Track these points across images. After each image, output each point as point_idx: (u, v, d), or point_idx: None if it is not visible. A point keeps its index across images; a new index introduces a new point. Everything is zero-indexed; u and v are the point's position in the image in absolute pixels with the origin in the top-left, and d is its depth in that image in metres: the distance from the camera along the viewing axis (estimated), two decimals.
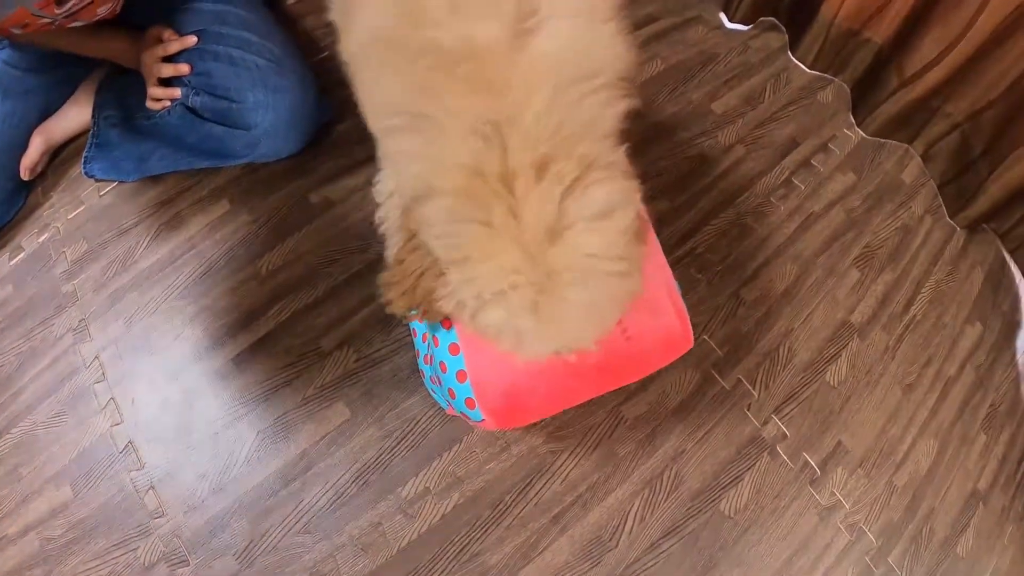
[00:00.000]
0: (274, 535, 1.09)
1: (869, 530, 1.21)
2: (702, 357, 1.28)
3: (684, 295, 1.03)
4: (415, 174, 0.71)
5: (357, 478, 1.14)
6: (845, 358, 1.33)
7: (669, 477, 1.19)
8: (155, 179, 1.30)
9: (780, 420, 1.26)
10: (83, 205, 1.28)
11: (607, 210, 0.67)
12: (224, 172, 1.35)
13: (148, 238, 1.27)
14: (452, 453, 1.17)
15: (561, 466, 1.18)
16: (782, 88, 1.63)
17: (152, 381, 1.16)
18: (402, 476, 1.14)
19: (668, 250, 1.36)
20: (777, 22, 1.70)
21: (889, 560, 1.20)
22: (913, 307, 1.39)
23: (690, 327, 0.96)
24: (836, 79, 1.65)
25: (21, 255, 1.26)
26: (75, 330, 1.19)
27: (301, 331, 1.21)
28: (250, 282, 1.24)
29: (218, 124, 1.17)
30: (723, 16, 1.71)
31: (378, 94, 0.77)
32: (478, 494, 1.14)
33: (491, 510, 1.14)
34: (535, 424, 1.19)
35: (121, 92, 1.26)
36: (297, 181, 1.37)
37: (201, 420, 1.15)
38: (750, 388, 1.27)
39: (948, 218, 1.50)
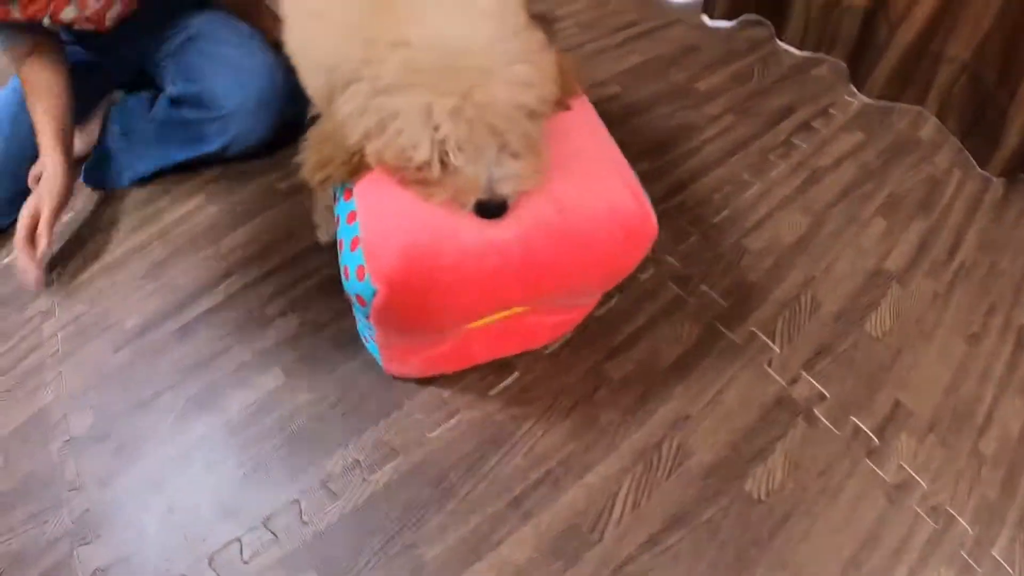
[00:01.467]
0: (184, 512, 0.77)
1: (959, 514, 0.77)
2: (701, 309, 0.90)
3: (674, 247, 0.92)
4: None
5: (280, 447, 0.81)
6: (886, 307, 0.92)
7: (670, 450, 0.78)
8: (140, 184, 1.16)
9: (813, 377, 0.85)
10: (74, 212, 1.12)
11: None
12: (202, 175, 1.18)
13: (124, 232, 1.10)
14: (390, 419, 0.82)
15: (524, 435, 0.80)
16: (772, 68, 1.32)
17: (100, 354, 0.92)
18: (330, 446, 0.81)
19: (653, 204, 1.07)
20: (760, 17, 1.50)
21: (994, 553, 0.75)
22: (960, 254, 1.00)
23: (650, 210, 0.69)
24: (829, 57, 1.40)
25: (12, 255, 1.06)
26: (44, 312, 0.99)
27: (248, 300, 0.97)
28: (209, 260, 1.02)
29: (193, 108, 1.11)
30: (704, 17, 1.50)
31: None
32: (416, 469, 0.78)
33: (432, 489, 0.76)
34: (489, 385, 0.85)
35: (126, 113, 1.20)
36: (269, 174, 1.16)
37: (135, 388, 0.88)
38: (768, 341, 0.87)
39: (980, 168, 1.13)
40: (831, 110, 1.23)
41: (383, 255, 0.62)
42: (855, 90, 1.28)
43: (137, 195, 1.17)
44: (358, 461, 0.79)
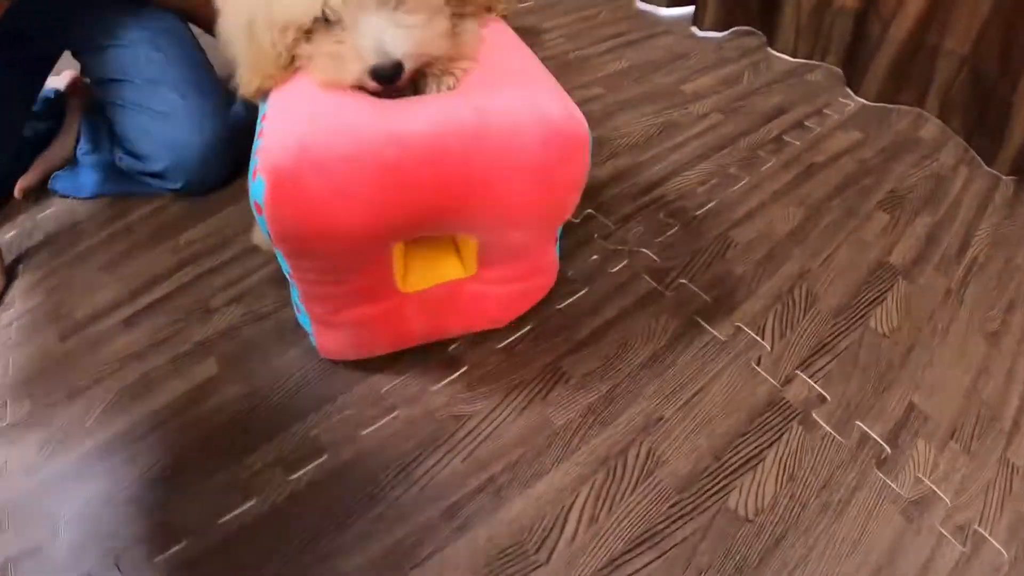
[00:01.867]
0: (92, 506, 0.67)
1: (991, 534, 0.62)
2: (681, 303, 0.77)
3: (651, 239, 0.85)
4: None
5: (202, 441, 0.71)
6: (893, 302, 0.78)
7: (638, 456, 0.64)
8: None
9: (811, 377, 0.71)
10: (51, 209, 1.07)
11: None
12: None
13: (90, 228, 1.04)
14: (320, 414, 0.71)
15: (467, 436, 0.67)
16: (763, 72, 1.21)
17: (47, 344, 0.85)
18: (253, 441, 0.70)
19: (630, 199, 0.92)
20: (751, 28, 1.41)
21: None
22: (971, 249, 0.86)
23: (580, 115, 0.60)
24: (823, 63, 1.29)
25: None
26: (6, 304, 0.92)
27: (197, 291, 0.89)
28: (166, 253, 0.96)
29: (138, 160, 1.03)
30: (693, 28, 1.41)
31: None
32: (343, 468, 0.65)
33: (357, 492, 0.63)
34: (433, 379, 0.73)
35: (94, 131, 1.13)
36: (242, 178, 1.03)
37: (73, 377, 0.80)
38: (756, 337, 0.74)
39: (987, 167, 1.01)
40: (826, 111, 1.11)
41: (274, 148, 0.56)
42: (851, 93, 1.18)
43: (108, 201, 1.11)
44: (281, 458, 0.67)
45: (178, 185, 1.01)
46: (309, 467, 0.66)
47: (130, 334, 0.84)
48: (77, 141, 1.14)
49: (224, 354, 0.79)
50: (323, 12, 0.54)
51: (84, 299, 0.90)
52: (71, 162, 1.12)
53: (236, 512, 0.63)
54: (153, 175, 1.02)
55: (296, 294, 0.72)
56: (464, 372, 0.73)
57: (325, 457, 0.67)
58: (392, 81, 0.56)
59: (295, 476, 0.66)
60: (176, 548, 0.62)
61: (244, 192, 0.99)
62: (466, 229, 0.66)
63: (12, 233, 1.08)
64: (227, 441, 0.70)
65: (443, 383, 0.72)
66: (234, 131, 1.01)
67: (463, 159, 0.57)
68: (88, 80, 1.12)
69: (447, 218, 0.62)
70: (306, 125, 0.57)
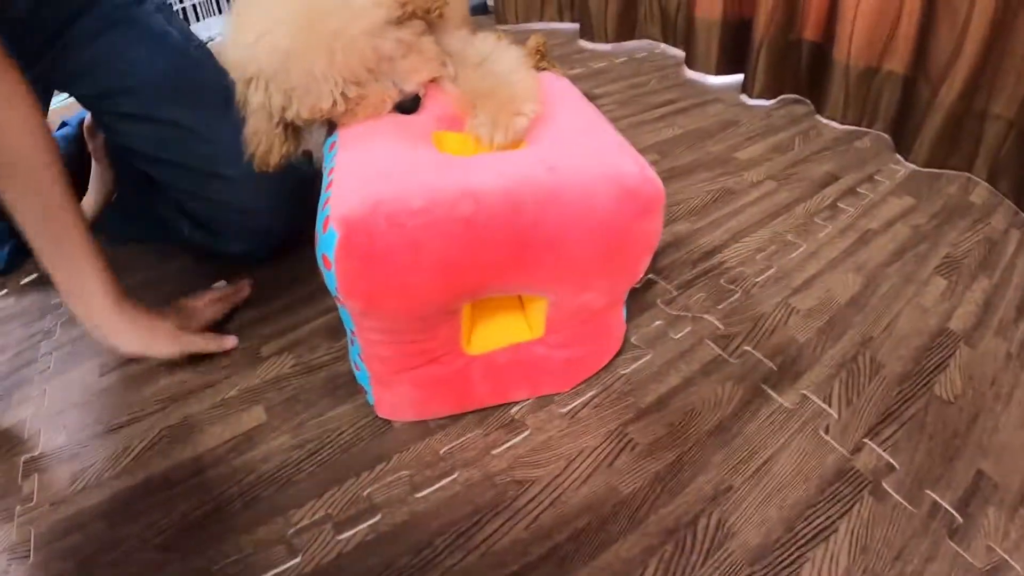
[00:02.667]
0: (127, 545, 0.65)
1: None
2: (746, 370, 0.77)
3: (713, 305, 0.85)
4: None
5: (246, 491, 0.69)
6: (955, 368, 0.78)
7: (708, 527, 0.63)
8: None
9: (879, 446, 0.71)
10: None
11: None
12: None
13: (139, 265, 1.06)
14: (373, 473, 0.69)
15: (530, 503, 0.66)
16: (813, 140, 1.24)
17: (86, 376, 0.85)
18: (300, 496, 0.68)
19: (690, 265, 0.93)
20: (798, 96, 1.44)
21: None
22: None
23: (652, 172, 0.61)
24: (872, 129, 1.30)
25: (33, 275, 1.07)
26: (46, 331, 0.94)
27: (246, 338, 0.88)
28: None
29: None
30: (743, 96, 1.43)
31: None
32: (397, 531, 0.64)
33: (412, 556, 0.62)
34: (494, 443, 0.71)
35: (127, 169, 1.06)
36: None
37: (112, 413, 0.80)
38: (823, 406, 0.74)
39: None
40: (877, 177, 1.13)
41: (346, 200, 0.56)
42: (900, 159, 1.19)
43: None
44: (329, 515, 0.66)
45: (240, 251, 0.99)
46: (360, 527, 0.65)
47: (174, 375, 0.84)
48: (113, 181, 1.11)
49: (273, 403, 0.79)
50: (340, 98, 0.62)
51: None
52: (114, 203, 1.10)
53: (278, 570, 0.62)
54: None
55: (356, 351, 0.71)
56: (527, 436, 0.73)
57: (378, 518, 0.66)
58: (414, 110, 0.66)
59: (345, 536, 0.65)
60: None
61: (296, 240, 1.03)
62: (537, 289, 0.66)
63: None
64: (272, 493, 0.69)
65: (504, 447, 0.72)
66: (302, 192, 0.95)
67: (538, 215, 0.57)
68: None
69: (519, 277, 0.62)
70: (379, 177, 0.57)
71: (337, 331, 0.88)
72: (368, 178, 0.58)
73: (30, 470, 0.75)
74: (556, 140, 0.63)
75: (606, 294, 0.69)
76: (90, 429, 0.79)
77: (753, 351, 0.80)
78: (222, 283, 0.96)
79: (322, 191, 0.62)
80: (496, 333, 0.72)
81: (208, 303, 0.88)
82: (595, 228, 0.59)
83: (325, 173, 0.65)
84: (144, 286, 1.01)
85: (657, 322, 0.85)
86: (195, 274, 1.01)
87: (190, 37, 0.95)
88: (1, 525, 0.70)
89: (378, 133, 0.65)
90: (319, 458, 0.72)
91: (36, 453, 0.77)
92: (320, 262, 0.58)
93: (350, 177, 0.59)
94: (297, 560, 0.63)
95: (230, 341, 0.87)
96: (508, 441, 0.72)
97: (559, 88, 0.75)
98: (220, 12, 2.24)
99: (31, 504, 0.71)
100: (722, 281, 0.90)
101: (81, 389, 0.84)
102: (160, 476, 0.72)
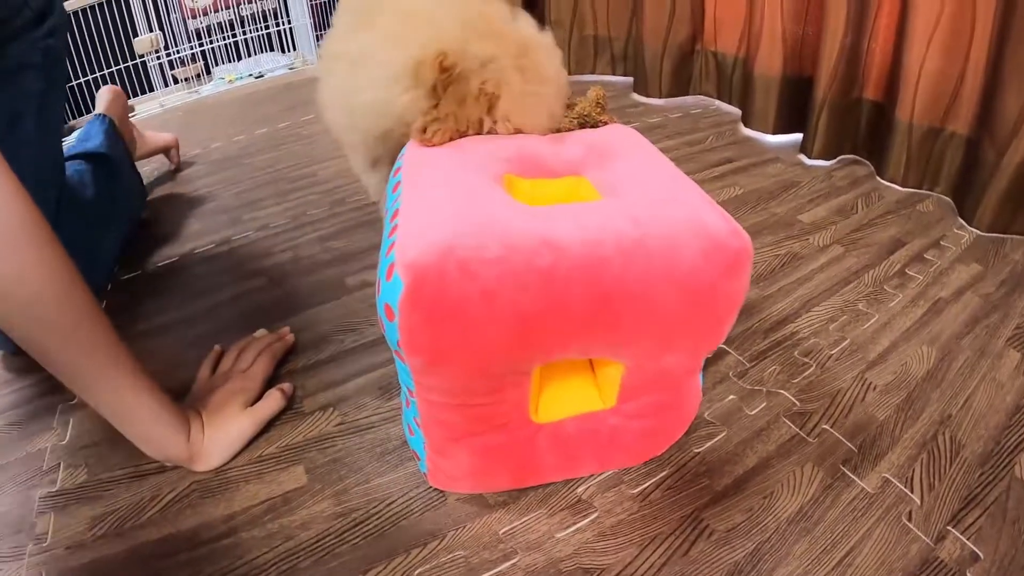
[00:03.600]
0: None
1: None
2: (825, 451, 0.76)
3: (788, 379, 0.81)
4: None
5: (282, 560, 0.65)
6: None
7: None
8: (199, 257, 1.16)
9: (962, 534, 0.68)
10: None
11: None
12: (270, 255, 1.18)
13: (182, 298, 1.07)
14: (425, 551, 0.65)
15: None
16: (875, 203, 1.23)
17: None
18: (342, 571, 0.63)
19: (761, 335, 0.93)
20: (857, 157, 1.43)
21: None
22: None
23: (740, 227, 0.58)
24: (933, 193, 1.27)
25: None
26: None
27: None
28: None
29: None
30: (801, 156, 1.42)
31: None
32: None
33: None
34: (559, 525, 0.66)
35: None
36: (339, 267, 1.12)
37: (139, 458, 0.74)
38: (906, 490, 0.72)
39: None
40: (943, 242, 1.11)
41: (414, 245, 0.52)
42: (963, 223, 1.17)
43: (193, 266, 1.17)
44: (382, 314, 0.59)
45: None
46: None
47: None
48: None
49: (314, 465, 0.75)
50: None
51: (164, 376, 0.83)
52: None
53: None
54: None
55: (411, 414, 0.67)
56: (594, 519, 0.69)
57: None
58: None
59: None
60: None
61: (345, 286, 1.04)
62: (615, 351, 0.61)
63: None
64: (311, 565, 0.65)
65: (570, 529, 0.68)
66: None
67: (621, 270, 0.54)
68: None
69: (598, 335, 0.58)
70: (451, 221, 0.53)
71: (388, 390, 0.86)
72: (438, 221, 0.54)
73: (46, 507, 0.72)
74: (636, 191, 0.61)
75: (687, 357, 0.66)
76: (116, 471, 0.76)
77: (832, 430, 0.79)
78: (262, 331, 0.94)
79: (385, 235, 0.58)
80: (566, 400, 0.67)
81: (256, 362, 0.86)
82: (680, 284, 0.56)
83: (387, 216, 0.61)
84: (177, 324, 1.02)
85: (730, 396, 0.85)
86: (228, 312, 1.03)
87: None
88: (9, 564, 0.67)
89: (448, 171, 0.63)
90: (364, 529, 0.68)
91: (54, 489, 0.74)
92: (382, 312, 0.53)
93: (417, 219, 0.55)
94: None
95: (288, 388, 0.84)
96: (574, 523, 0.68)
97: (632, 139, 0.74)
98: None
99: (44, 544, 0.68)
100: (796, 353, 0.89)
101: (109, 425, 0.78)
102: (188, 532, 0.69)
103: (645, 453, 0.73)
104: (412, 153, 0.70)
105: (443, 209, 0.56)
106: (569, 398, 0.68)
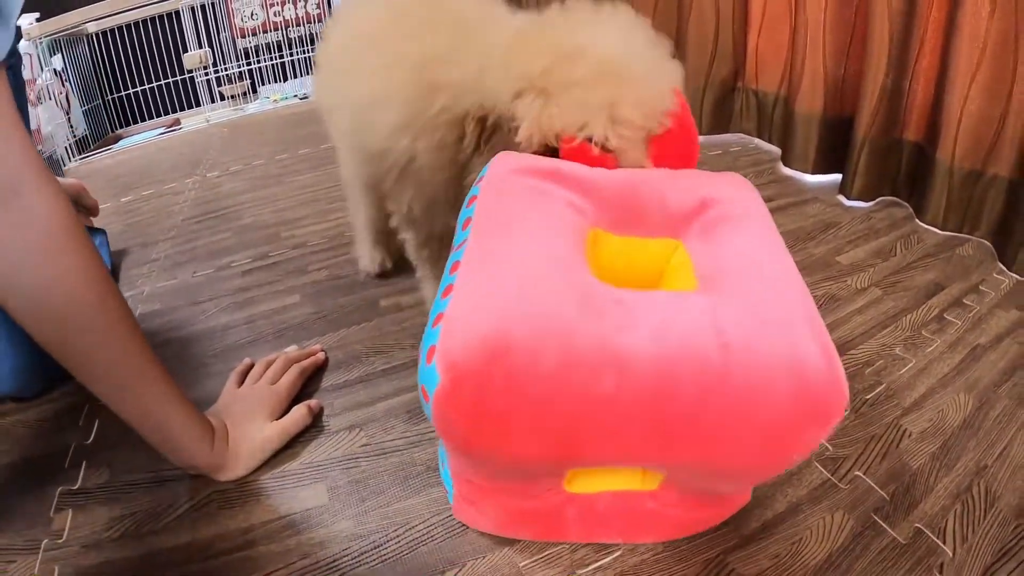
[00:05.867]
0: None
1: None
2: (857, 498, 0.74)
3: None
4: None
5: None
6: None
7: None
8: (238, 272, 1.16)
9: None
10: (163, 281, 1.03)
11: None
12: (305, 272, 1.22)
13: (217, 309, 1.10)
14: None
15: None
16: (914, 246, 1.22)
17: None
18: None
19: None
20: (897, 199, 1.41)
21: None
22: None
23: (842, 372, 0.50)
24: (973, 237, 1.25)
25: None
26: None
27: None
28: None
29: None
30: (840, 197, 1.40)
31: None
32: None
33: None
34: (580, 562, 0.65)
35: None
36: (373, 289, 1.15)
37: (165, 462, 0.75)
38: (938, 542, 0.70)
39: None
40: (982, 287, 1.10)
41: (460, 334, 0.46)
42: (1004, 268, 1.15)
43: (231, 279, 1.19)
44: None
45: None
46: None
47: None
48: None
49: (337, 484, 0.76)
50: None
51: (189, 384, 0.87)
52: None
53: None
54: None
55: (444, 453, 0.66)
56: (617, 558, 0.67)
57: None
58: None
59: None
60: None
61: (378, 308, 1.07)
62: (664, 469, 0.57)
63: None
64: None
65: (592, 567, 0.66)
66: None
67: (694, 406, 0.47)
68: None
69: (647, 458, 0.54)
70: (509, 307, 0.46)
71: (416, 413, 0.86)
72: (494, 303, 0.47)
73: (65, 504, 0.73)
74: (736, 286, 0.52)
75: (742, 485, 0.65)
76: (137, 474, 0.77)
77: (864, 476, 0.78)
78: (293, 347, 0.96)
79: (439, 293, 0.52)
80: (604, 474, 0.62)
81: (284, 377, 0.87)
82: (758, 428, 0.48)
83: (448, 263, 0.55)
84: (208, 334, 1.04)
85: None
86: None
87: None
88: (24, 556, 0.68)
89: (525, 216, 0.56)
90: (383, 553, 0.67)
91: (75, 487, 0.75)
92: (419, 392, 0.49)
93: (474, 292, 0.49)
94: None
95: (315, 405, 0.85)
96: (597, 561, 0.67)
97: (748, 200, 0.64)
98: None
99: (60, 541, 0.69)
100: None
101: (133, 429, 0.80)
102: (204, 542, 0.69)
103: (676, 534, 0.69)
104: (496, 173, 0.62)
105: (505, 283, 0.48)
106: (608, 474, 0.62)
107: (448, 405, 0.46)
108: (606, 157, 0.67)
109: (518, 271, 0.50)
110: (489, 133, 0.72)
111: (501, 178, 0.61)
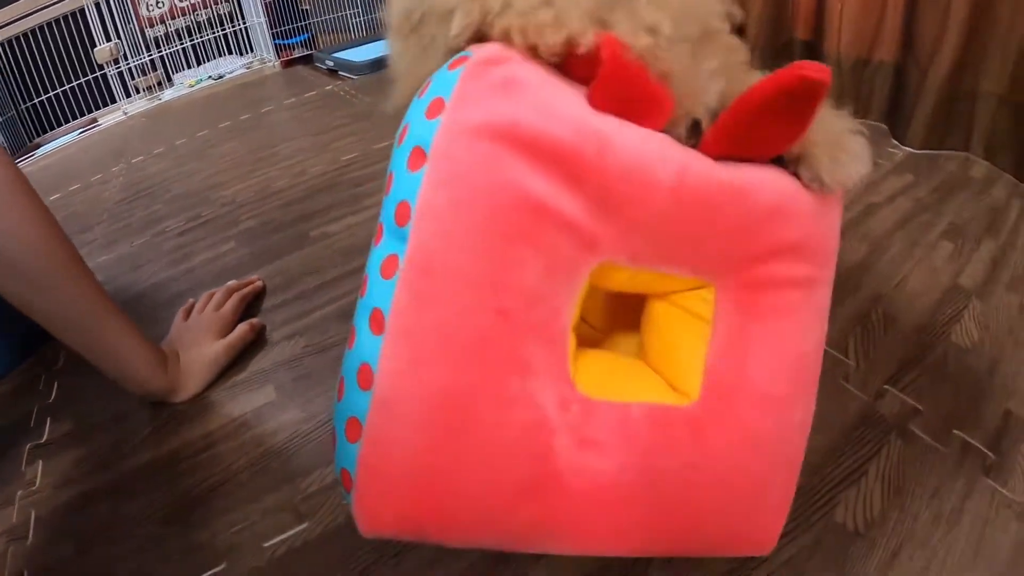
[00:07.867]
0: (128, 522, 0.63)
1: None
2: None
3: None
4: None
5: (255, 463, 0.67)
6: (971, 320, 0.75)
7: None
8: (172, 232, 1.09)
9: (901, 391, 0.67)
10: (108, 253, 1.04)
11: None
12: (237, 223, 1.21)
13: (157, 268, 1.09)
14: None
15: None
16: None
17: (95, 370, 0.74)
18: (309, 464, 0.65)
19: None
20: None
21: None
22: None
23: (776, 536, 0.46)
24: (868, 120, 1.24)
25: None
26: None
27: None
28: None
29: None
30: None
31: None
32: None
33: None
34: None
35: None
36: (302, 224, 1.15)
37: (123, 398, 0.76)
38: (841, 356, 0.72)
39: None
40: (878, 160, 1.11)
41: (379, 497, 0.37)
42: (897, 143, 1.17)
43: (167, 241, 1.19)
44: (338, 481, 0.61)
45: None
46: None
47: None
48: None
49: (283, 382, 0.78)
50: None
51: (144, 330, 0.86)
52: None
53: (286, 535, 0.60)
54: None
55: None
56: None
57: None
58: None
59: None
60: (214, 571, 0.58)
61: (308, 238, 1.07)
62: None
63: None
64: (281, 463, 0.67)
65: None
66: None
67: (643, 487, 0.40)
68: None
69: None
70: (427, 498, 0.37)
71: (350, 315, 0.85)
72: (416, 480, 0.36)
73: (35, 457, 0.73)
74: (738, 418, 0.42)
75: None
76: (99, 415, 0.78)
77: None
78: (232, 281, 0.96)
79: (365, 311, 0.39)
80: None
81: (228, 304, 0.88)
82: (696, 523, 0.44)
83: (379, 252, 0.40)
84: (152, 289, 1.03)
85: None
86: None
87: None
88: (1, 510, 0.68)
89: (487, 275, 0.35)
90: (329, 427, 0.68)
91: (42, 440, 0.76)
92: (338, 473, 0.40)
93: (407, 360, 0.35)
94: (305, 525, 0.60)
95: (257, 323, 0.87)
96: None
97: (827, 231, 0.45)
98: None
99: (33, 488, 0.70)
100: None
101: (95, 385, 0.80)
102: (168, 454, 0.70)
103: None
104: (458, 140, 0.36)
105: (444, 358, 0.35)
106: None
107: (368, 503, 0.38)
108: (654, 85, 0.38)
109: (464, 329, 0.35)
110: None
111: (464, 156, 0.35)
